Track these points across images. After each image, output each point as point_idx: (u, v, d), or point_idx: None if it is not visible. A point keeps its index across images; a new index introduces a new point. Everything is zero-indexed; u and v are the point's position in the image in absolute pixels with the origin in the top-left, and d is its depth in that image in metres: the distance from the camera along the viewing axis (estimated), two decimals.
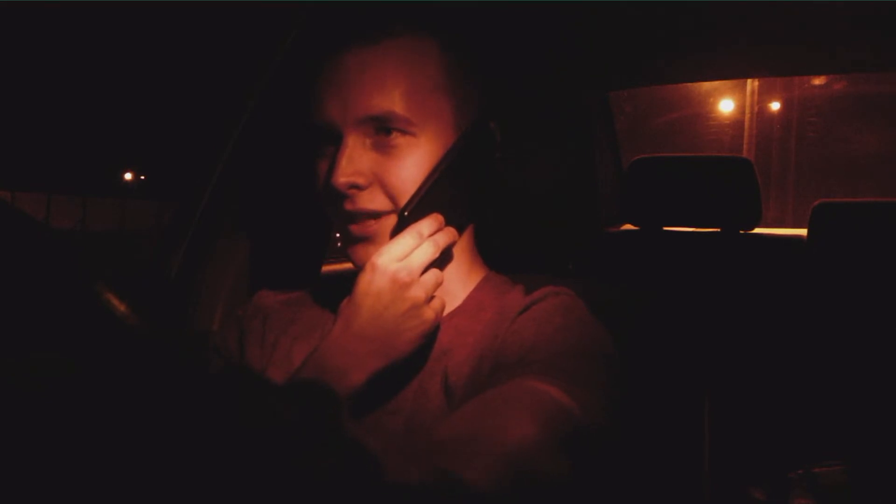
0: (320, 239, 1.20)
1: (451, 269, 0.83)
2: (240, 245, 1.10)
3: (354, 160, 0.75)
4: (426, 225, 0.77)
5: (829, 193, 9.83)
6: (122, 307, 0.38)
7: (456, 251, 0.84)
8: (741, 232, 1.68)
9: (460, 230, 0.81)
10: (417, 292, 0.74)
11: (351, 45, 0.78)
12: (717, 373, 1.11)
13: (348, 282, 0.78)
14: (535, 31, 1.21)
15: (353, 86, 0.76)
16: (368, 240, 0.78)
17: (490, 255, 0.89)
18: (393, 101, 0.75)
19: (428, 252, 0.76)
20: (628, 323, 0.82)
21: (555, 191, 1.32)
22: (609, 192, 1.97)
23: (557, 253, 1.46)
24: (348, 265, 0.82)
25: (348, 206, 0.76)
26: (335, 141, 0.77)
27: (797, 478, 1.28)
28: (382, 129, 0.76)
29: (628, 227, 1.85)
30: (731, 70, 1.70)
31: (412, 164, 0.76)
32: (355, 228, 0.77)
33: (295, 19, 1.08)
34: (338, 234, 0.86)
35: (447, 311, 0.81)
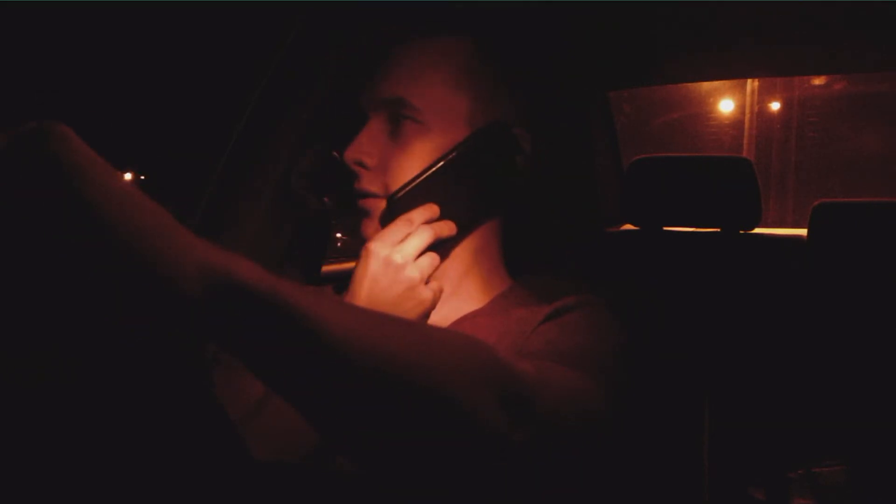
0: (320, 239, 1.20)
1: (470, 270, 0.84)
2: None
3: (369, 140, 0.80)
4: (418, 213, 0.78)
5: (829, 193, 9.82)
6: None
7: (475, 253, 0.84)
8: (741, 232, 1.68)
9: (464, 227, 0.82)
10: (412, 273, 0.76)
11: (395, 42, 0.83)
12: (717, 373, 1.11)
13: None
14: (536, 31, 1.21)
15: (381, 73, 0.82)
16: (368, 215, 0.82)
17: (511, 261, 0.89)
18: (406, 89, 0.79)
19: (423, 238, 0.77)
20: (628, 322, 0.82)
21: (555, 191, 1.32)
22: (609, 192, 1.97)
23: (557, 253, 1.45)
24: (348, 265, 0.83)
25: (355, 185, 0.81)
26: (363, 120, 0.82)
27: (797, 478, 1.28)
28: (397, 116, 0.79)
29: (628, 227, 1.85)
30: (731, 70, 1.70)
31: (416, 154, 0.79)
32: (360, 202, 0.82)
33: (294, 19, 1.08)
34: (338, 234, 0.89)
35: (468, 311, 0.82)
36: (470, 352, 0.51)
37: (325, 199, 1.13)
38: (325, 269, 1.33)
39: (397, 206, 0.78)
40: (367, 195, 0.81)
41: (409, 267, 0.76)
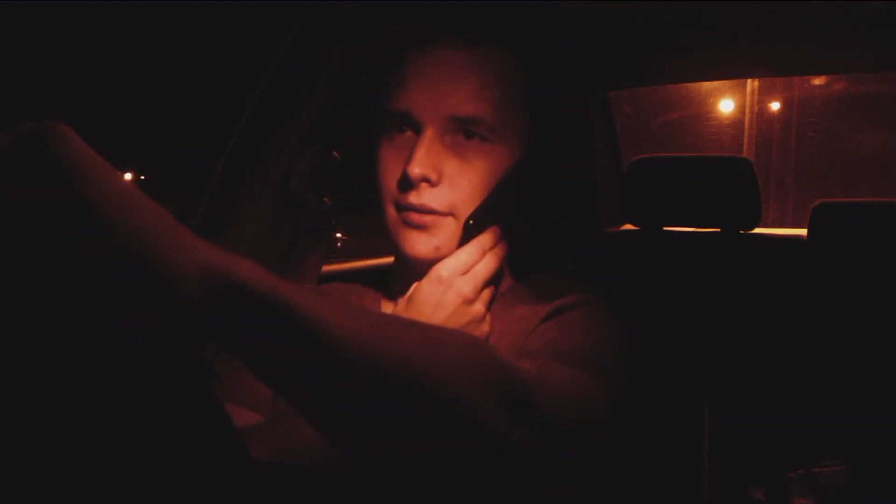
0: (320, 239, 1.20)
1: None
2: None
3: (431, 154, 0.76)
4: (488, 238, 0.78)
5: (829, 193, 9.82)
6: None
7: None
8: (741, 232, 1.68)
9: (508, 242, 0.82)
10: (479, 308, 0.76)
11: (448, 43, 0.79)
12: (716, 373, 1.11)
13: (356, 279, 0.78)
14: (539, 33, 1.21)
15: (449, 83, 0.77)
16: (423, 230, 0.78)
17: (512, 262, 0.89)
18: (484, 108, 0.77)
19: (490, 266, 0.77)
20: (628, 322, 0.82)
21: (555, 191, 1.32)
22: (609, 192, 1.97)
23: (557, 253, 1.45)
24: (348, 265, 0.82)
25: (413, 199, 0.77)
26: (413, 130, 0.78)
27: (797, 478, 1.28)
28: (463, 131, 0.77)
29: (628, 227, 1.85)
30: (731, 70, 1.70)
31: (484, 172, 0.77)
32: (413, 217, 0.78)
33: (295, 19, 1.08)
34: (338, 234, 0.87)
35: None
36: (470, 351, 0.51)
37: (325, 199, 1.13)
38: (325, 269, 1.33)
39: (471, 231, 0.77)
40: (428, 211, 0.77)
41: (477, 302, 0.76)
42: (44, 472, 0.35)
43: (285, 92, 1.08)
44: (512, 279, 0.88)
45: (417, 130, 0.77)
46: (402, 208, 0.78)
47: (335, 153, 1.12)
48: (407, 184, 0.76)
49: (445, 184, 0.77)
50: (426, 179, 0.76)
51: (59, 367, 0.35)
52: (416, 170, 0.75)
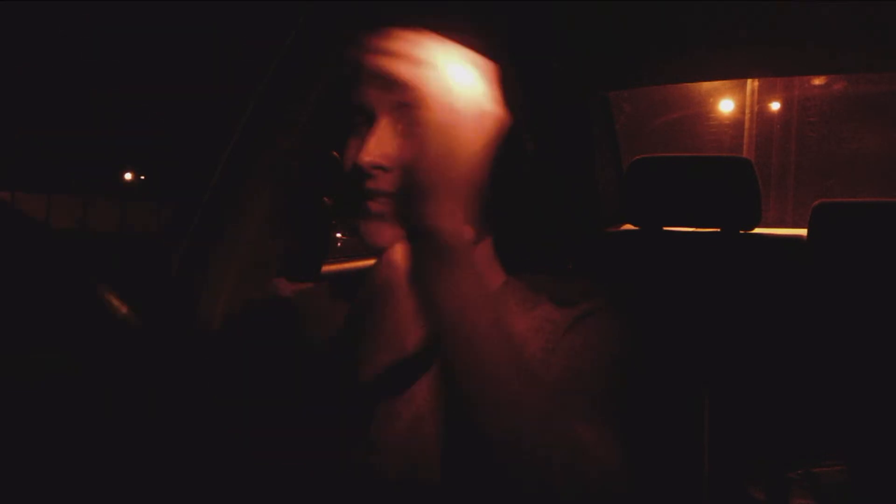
0: (320, 239, 1.20)
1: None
2: (241, 245, 1.10)
3: (383, 143, 0.77)
4: None
5: (829, 193, 9.81)
6: (122, 308, 0.38)
7: (475, 253, 0.84)
8: (741, 232, 1.68)
9: (477, 231, 0.82)
10: None
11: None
12: (716, 372, 1.11)
13: (352, 279, 0.78)
14: (538, 31, 1.21)
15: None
16: (382, 218, 0.78)
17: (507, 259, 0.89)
18: None
19: None
20: (628, 322, 0.82)
21: (555, 190, 1.32)
22: (609, 192, 1.97)
23: (557, 253, 1.46)
24: (348, 265, 0.82)
25: (370, 184, 0.78)
26: (369, 121, 0.79)
27: (797, 478, 1.28)
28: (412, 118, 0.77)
29: (628, 227, 1.85)
30: (731, 70, 1.70)
31: None
32: (372, 205, 0.78)
33: (295, 19, 1.08)
34: (338, 234, 0.87)
35: None
36: None
37: (325, 199, 1.13)
38: (325, 269, 1.33)
39: None
40: (390, 195, 0.78)
41: None
42: (44, 471, 0.35)
43: (285, 92, 1.08)
44: (506, 276, 0.88)
45: (372, 121, 0.78)
46: (363, 197, 0.79)
47: (335, 153, 1.12)
48: (363, 174, 0.77)
49: (402, 169, 0.77)
50: (378, 167, 0.77)
51: (60, 367, 0.36)
52: (365, 158, 0.76)
